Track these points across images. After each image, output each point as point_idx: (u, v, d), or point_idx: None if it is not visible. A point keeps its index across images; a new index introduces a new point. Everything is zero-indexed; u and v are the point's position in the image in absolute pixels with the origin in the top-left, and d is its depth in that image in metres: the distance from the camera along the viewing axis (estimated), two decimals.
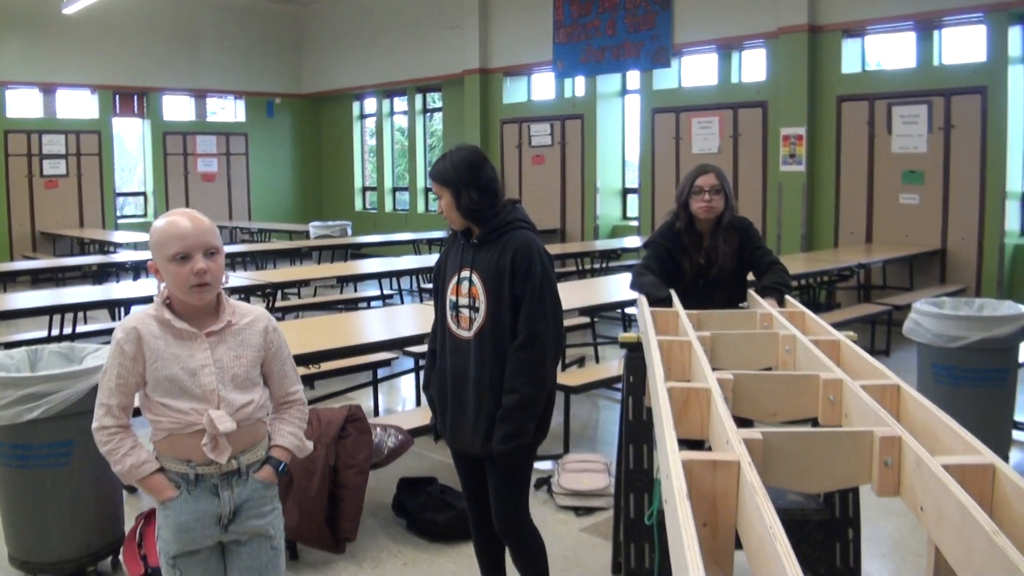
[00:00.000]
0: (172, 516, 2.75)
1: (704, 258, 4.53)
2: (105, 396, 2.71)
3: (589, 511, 5.36)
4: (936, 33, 11.19)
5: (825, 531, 3.72)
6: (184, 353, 2.72)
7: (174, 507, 2.74)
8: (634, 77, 14.58)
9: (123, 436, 2.71)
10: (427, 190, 18.83)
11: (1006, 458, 5.89)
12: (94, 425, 2.72)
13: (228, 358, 2.79)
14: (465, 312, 3.53)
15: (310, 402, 6.35)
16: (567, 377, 6.97)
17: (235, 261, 13.79)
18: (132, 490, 5.68)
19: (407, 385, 8.33)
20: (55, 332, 7.89)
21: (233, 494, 2.80)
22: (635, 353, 3.79)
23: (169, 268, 2.71)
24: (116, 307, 8.79)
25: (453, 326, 3.59)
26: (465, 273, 3.54)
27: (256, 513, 2.86)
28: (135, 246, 14.65)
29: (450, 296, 3.60)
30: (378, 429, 5.07)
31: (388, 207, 19.53)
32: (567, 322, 8.05)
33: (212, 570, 2.84)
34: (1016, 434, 6.52)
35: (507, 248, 3.46)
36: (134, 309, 8.61)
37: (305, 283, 9.89)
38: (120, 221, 18.43)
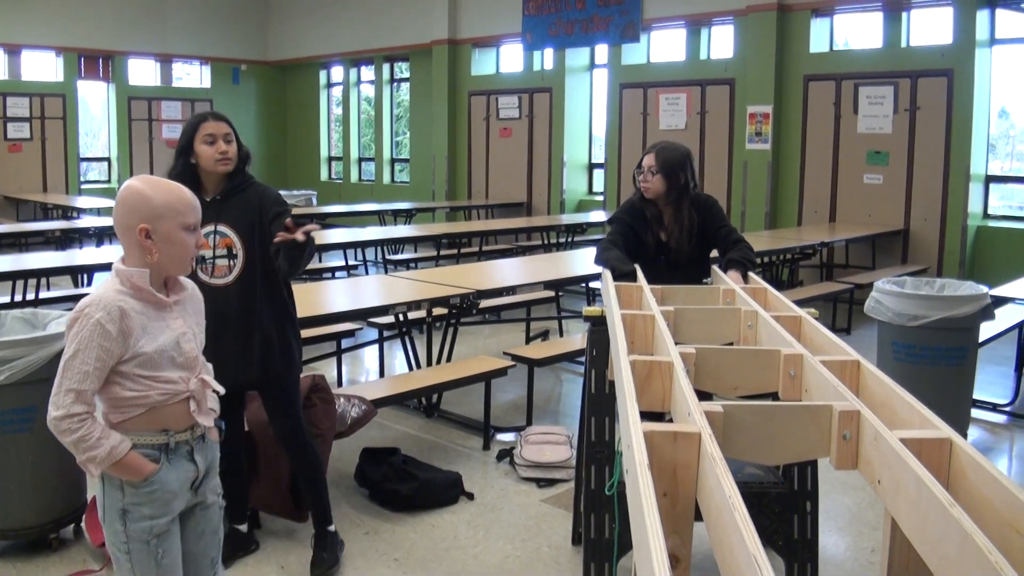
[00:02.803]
0: (159, 489, 2.71)
1: (666, 234, 4.56)
2: (77, 381, 2.56)
3: (551, 483, 5.39)
4: (904, 15, 11.24)
5: (783, 504, 3.76)
6: (164, 324, 2.71)
7: (159, 479, 2.71)
8: (602, 51, 14.55)
9: (92, 421, 2.60)
10: (393, 161, 18.76)
11: (965, 435, 5.97)
12: (58, 413, 2.56)
13: (192, 324, 2.81)
14: None
15: None
16: (531, 350, 7.00)
17: None
18: None
19: (371, 356, 8.33)
20: (18, 298, 7.82)
21: (204, 457, 2.83)
22: (599, 327, 3.81)
23: (179, 236, 2.68)
24: (79, 273, 8.72)
25: None
26: None
27: (214, 473, 2.93)
28: (98, 212, 14.53)
29: None
30: (341, 399, 5.06)
31: (354, 177, 19.43)
32: (532, 296, 8.10)
33: (177, 540, 2.83)
34: (975, 412, 6.62)
35: None
36: (98, 278, 8.49)
37: None
38: (84, 186, 18.21)
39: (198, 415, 2.77)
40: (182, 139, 3.96)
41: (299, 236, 3.60)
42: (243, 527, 4.43)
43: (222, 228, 3.92)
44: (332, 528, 4.34)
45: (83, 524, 4.53)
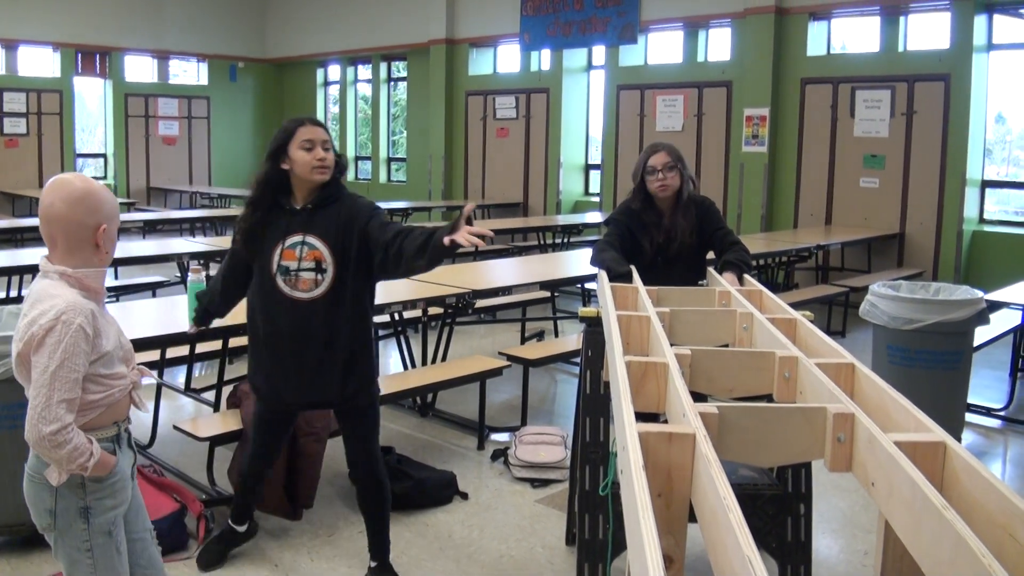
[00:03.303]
0: (120, 479, 2.80)
1: (664, 236, 4.55)
2: (67, 390, 2.57)
3: (545, 483, 5.39)
4: (902, 19, 11.25)
5: (777, 506, 3.77)
6: (107, 321, 2.78)
7: (119, 469, 2.80)
8: (600, 52, 14.56)
9: (76, 429, 2.61)
10: (389, 160, 18.75)
11: (959, 439, 5.95)
12: (53, 427, 2.54)
13: (114, 319, 2.89)
14: None
15: None
16: (526, 350, 7.00)
17: (195, 227, 13.71)
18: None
19: None
20: (13, 293, 7.81)
21: (133, 442, 2.98)
22: (594, 327, 3.81)
23: (115, 237, 2.78)
24: None
25: None
26: None
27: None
28: None
29: None
30: None
31: (350, 176, 19.36)
32: (528, 296, 8.10)
33: (123, 527, 2.92)
34: (969, 416, 6.62)
35: None
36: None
37: None
38: None
39: (139, 404, 2.92)
40: (275, 142, 3.74)
41: (470, 240, 3.31)
42: (242, 528, 4.39)
43: (311, 240, 3.70)
44: (390, 559, 4.21)
45: None
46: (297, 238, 3.70)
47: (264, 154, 3.79)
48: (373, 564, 4.16)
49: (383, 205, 14.17)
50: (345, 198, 3.78)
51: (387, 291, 6.38)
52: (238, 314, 5.37)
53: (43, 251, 2.75)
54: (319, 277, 3.71)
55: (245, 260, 3.87)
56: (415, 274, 3.93)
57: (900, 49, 11.24)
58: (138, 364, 2.94)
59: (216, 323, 4.98)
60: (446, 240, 3.35)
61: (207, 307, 4.11)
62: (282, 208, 3.76)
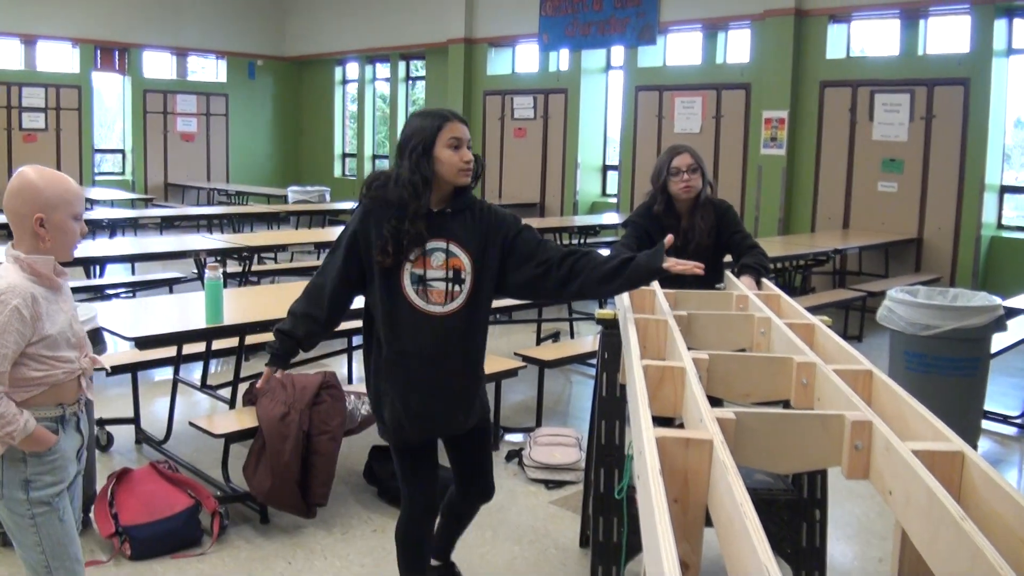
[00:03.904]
0: (59, 457, 2.94)
1: (682, 238, 4.53)
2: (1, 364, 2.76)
3: (559, 484, 5.39)
4: (922, 22, 11.20)
5: (792, 511, 3.76)
6: (59, 307, 2.90)
7: (59, 447, 2.93)
8: (618, 53, 14.53)
9: (7, 400, 2.77)
10: None
11: (975, 447, 5.95)
12: None
13: (71, 307, 3.01)
14: None
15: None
16: (542, 351, 6.99)
17: (212, 223, 13.74)
18: (104, 448, 5.68)
19: None
20: None
21: (86, 427, 3.12)
22: (611, 330, 3.81)
23: (68, 225, 2.87)
24: (92, 264, 8.75)
25: None
26: None
27: (89, 445, 3.25)
28: (112, 203, 14.57)
29: None
30: (352, 396, 5.08)
31: (367, 174, 19.38)
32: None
33: (69, 502, 3.05)
34: (985, 423, 6.59)
35: None
36: (109, 270, 8.45)
37: (282, 248, 9.87)
38: (97, 178, 18.27)
39: (88, 391, 3.05)
40: (417, 137, 3.24)
41: (682, 270, 3.20)
42: (437, 563, 4.00)
43: (454, 247, 3.30)
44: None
45: (91, 515, 4.55)
46: (439, 244, 3.28)
47: (401, 150, 3.30)
48: (438, 563, 4.00)
49: None
50: (478, 204, 3.41)
51: None
52: (256, 310, 5.40)
53: None
54: (456, 288, 3.31)
55: (354, 276, 3.37)
56: (582, 298, 3.70)
57: (920, 53, 11.19)
58: (92, 355, 3.07)
59: (232, 319, 5.01)
60: (666, 264, 3.17)
61: (302, 342, 3.49)
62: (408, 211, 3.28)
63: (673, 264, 3.18)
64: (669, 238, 3.26)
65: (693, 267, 3.22)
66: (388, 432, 3.47)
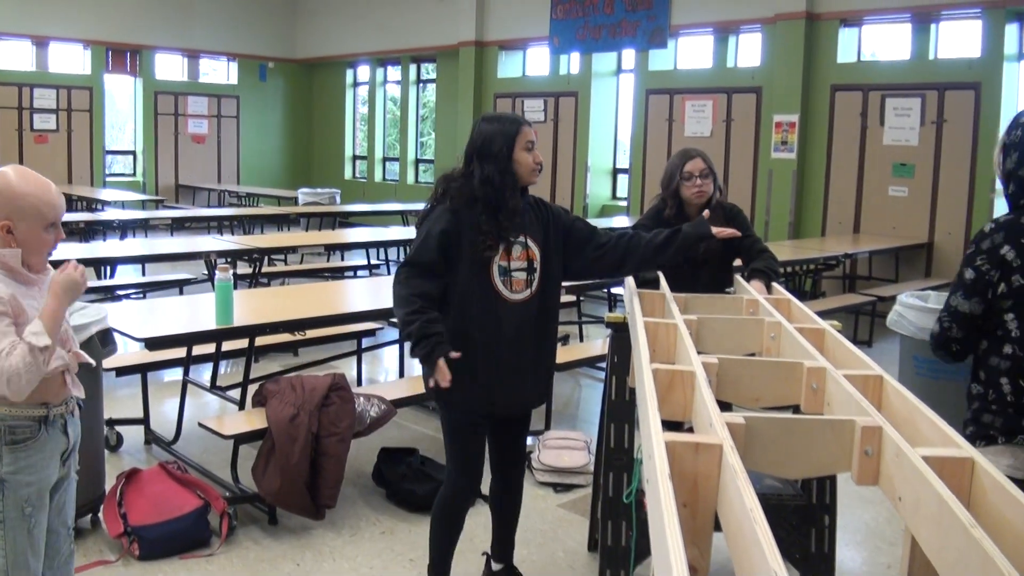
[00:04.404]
0: (41, 457, 2.88)
1: None
2: (3, 341, 2.68)
3: (568, 488, 5.39)
4: (932, 26, 11.19)
5: (801, 517, 3.75)
6: (35, 302, 2.82)
7: (38, 448, 2.86)
8: (629, 56, 14.54)
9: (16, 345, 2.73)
10: (417, 161, 18.80)
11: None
12: (30, 359, 2.66)
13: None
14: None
15: (293, 369, 6.38)
16: None
17: (222, 225, 13.77)
18: (114, 448, 5.70)
19: (391, 356, 8.33)
20: None
21: (74, 430, 3.03)
22: (620, 333, 3.81)
23: (38, 235, 2.81)
24: (103, 265, 8.77)
25: None
26: None
27: (79, 447, 3.11)
28: (123, 204, 14.61)
29: None
30: (361, 398, 5.08)
31: (378, 177, 19.47)
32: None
33: (46, 514, 2.98)
34: None
35: None
36: (121, 270, 8.49)
37: (292, 250, 9.89)
38: (108, 179, 18.33)
39: (72, 387, 2.96)
40: (499, 140, 3.54)
41: (727, 234, 3.82)
42: (499, 567, 4.13)
43: (528, 240, 3.66)
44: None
45: (100, 515, 4.56)
46: (519, 238, 3.62)
47: (480, 153, 3.59)
48: (499, 567, 4.10)
49: (411, 207, 14.31)
50: (531, 198, 3.78)
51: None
52: (266, 311, 5.40)
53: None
54: (530, 277, 3.65)
55: (443, 272, 3.57)
56: (638, 271, 4.03)
57: (931, 57, 11.18)
58: (75, 350, 3.02)
59: (242, 321, 5.02)
60: (714, 230, 3.77)
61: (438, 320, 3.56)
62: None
63: (719, 231, 3.78)
64: (707, 212, 3.84)
65: (732, 232, 3.87)
66: (457, 409, 3.72)
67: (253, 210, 14.89)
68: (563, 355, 6.86)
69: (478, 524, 4.85)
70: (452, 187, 3.63)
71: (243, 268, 9.25)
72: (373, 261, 11.93)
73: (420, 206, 13.35)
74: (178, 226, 14.53)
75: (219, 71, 20.17)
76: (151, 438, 5.88)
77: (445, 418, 3.79)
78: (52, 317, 2.74)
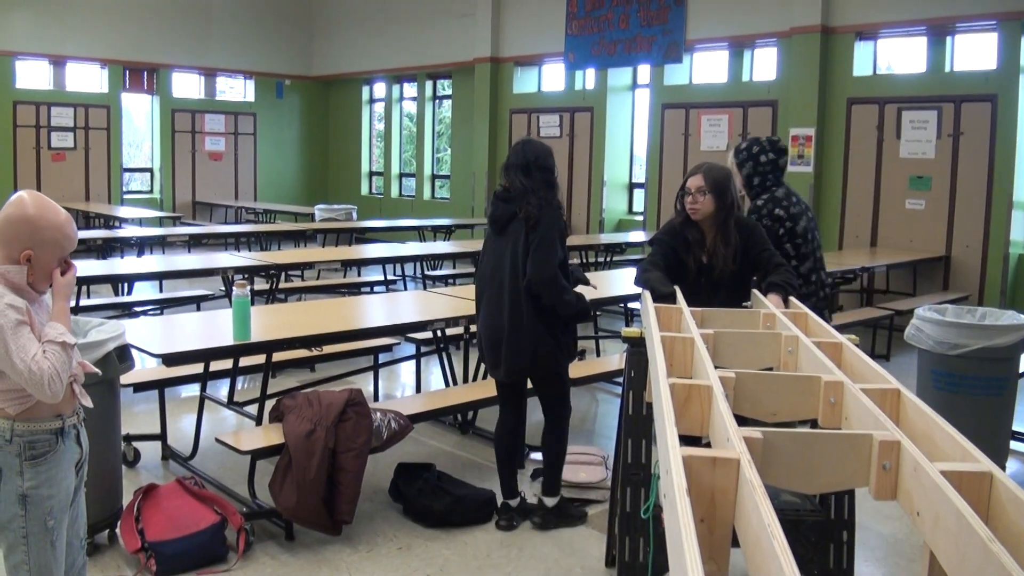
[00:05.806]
0: (59, 470, 2.94)
1: (708, 256, 4.53)
2: (33, 346, 2.76)
3: (585, 503, 5.37)
4: (948, 39, 11.17)
5: (819, 532, 3.73)
6: (41, 318, 2.90)
7: (56, 460, 2.93)
8: (645, 71, 14.56)
9: (45, 350, 2.82)
10: (433, 177, 18.84)
11: (1003, 467, 5.89)
12: (45, 365, 2.75)
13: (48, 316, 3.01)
14: None
15: (310, 385, 6.39)
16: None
17: (239, 241, 13.82)
18: (131, 464, 5.71)
19: (407, 371, 8.34)
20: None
21: (85, 440, 3.14)
22: (637, 348, 3.80)
23: (52, 266, 2.90)
24: (120, 282, 8.82)
25: None
26: None
27: (89, 457, 3.19)
28: (140, 222, 14.67)
29: None
30: (378, 414, 5.09)
31: (394, 193, 19.53)
32: None
33: (66, 527, 3.05)
34: (1014, 444, 6.53)
35: None
36: (138, 287, 8.53)
37: (309, 266, 9.91)
38: (126, 196, 18.43)
39: (81, 398, 3.03)
40: (552, 167, 4.98)
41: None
42: (513, 502, 5.13)
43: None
44: (549, 503, 5.07)
45: (118, 530, 4.57)
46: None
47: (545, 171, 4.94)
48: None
49: (426, 222, 14.34)
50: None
51: (430, 308, 6.41)
52: (283, 327, 5.41)
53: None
54: None
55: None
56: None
57: (947, 70, 11.16)
58: (81, 361, 3.09)
59: (259, 337, 5.03)
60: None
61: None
62: None
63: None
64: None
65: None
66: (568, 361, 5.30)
67: (270, 226, 14.92)
68: (579, 370, 6.86)
69: (494, 539, 4.86)
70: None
71: (260, 284, 9.27)
72: (390, 277, 11.93)
73: (437, 222, 13.36)
74: (195, 243, 14.57)
75: (236, 89, 20.25)
76: (168, 454, 5.90)
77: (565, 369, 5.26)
78: (67, 317, 2.89)
